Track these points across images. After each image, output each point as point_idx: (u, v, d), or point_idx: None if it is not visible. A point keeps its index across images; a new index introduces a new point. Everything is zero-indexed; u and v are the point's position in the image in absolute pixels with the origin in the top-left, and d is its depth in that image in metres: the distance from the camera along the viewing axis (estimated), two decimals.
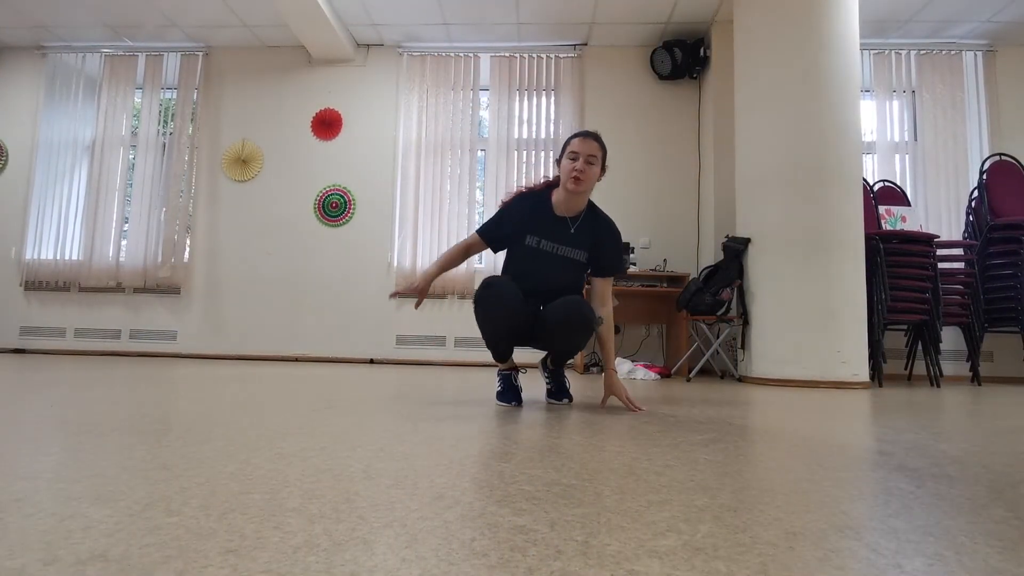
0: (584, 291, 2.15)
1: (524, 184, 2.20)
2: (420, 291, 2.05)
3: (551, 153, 5.01)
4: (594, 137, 1.99)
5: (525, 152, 5.03)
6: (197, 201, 5.15)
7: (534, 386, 2.86)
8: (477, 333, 4.79)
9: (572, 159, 1.96)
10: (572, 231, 2.05)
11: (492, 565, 0.56)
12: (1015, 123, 4.75)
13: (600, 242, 2.09)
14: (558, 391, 2.18)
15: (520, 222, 2.07)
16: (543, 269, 2.05)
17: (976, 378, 3.98)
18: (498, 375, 2.13)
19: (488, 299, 1.94)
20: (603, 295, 2.11)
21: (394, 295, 2.18)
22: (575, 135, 2.01)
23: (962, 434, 1.58)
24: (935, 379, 3.69)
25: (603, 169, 2.00)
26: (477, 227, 2.16)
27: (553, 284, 2.05)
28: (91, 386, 2.28)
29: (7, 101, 5.34)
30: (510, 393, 2.08)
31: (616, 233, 2.12)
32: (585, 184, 1.96)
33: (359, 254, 5.02)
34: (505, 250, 2.15)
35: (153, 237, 5.07)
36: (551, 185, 2.12)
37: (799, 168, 3.43)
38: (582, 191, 1.98)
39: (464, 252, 2.14)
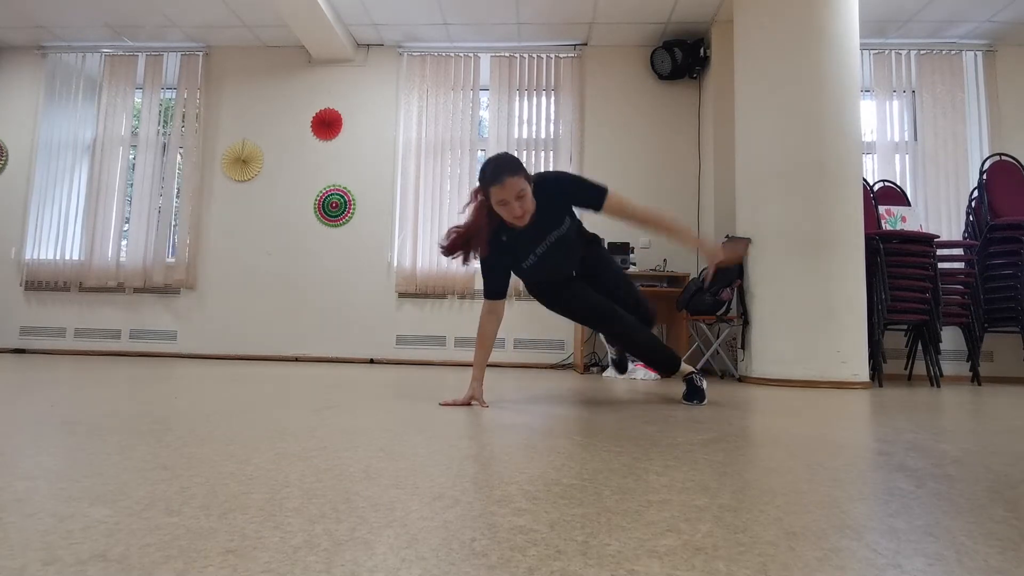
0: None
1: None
2: (478, 398, 1.98)
3: (551, 153, 5.02)
4: (509, 172, 1.81)
5: (525, 152, 5.03)
6: (197, 201, 5.15)
7: (543, 387, 2.85)
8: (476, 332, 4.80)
9: (503, 205, 1.84)
10: (540, 224, 1.98)
11: (492, 565, 0.56)
12: (1015, 123, 4.75)
13: (564, 195, 2.00)
14: (691, 392, 2.23)
15: (505, 252, 2.02)
16: (556, 266, 2.10)
17: (976, 378, 3.98)
18: (692, 378, 2.26)
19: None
20: (623, 210, 1.98)
21: (444, 404, 1.96)
22: (490, 183, 1.83)
23: (962, 434, 1.58)
24: (935, 379, 3.69)
25: (529, 181, 1.89)
26: (485, 294, 2.06)
27: (571, 269, 2.21)
28: (91, 386, 2.28)
29: (7, 101, 5.34)
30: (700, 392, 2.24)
31: (565, 177, 2.02)
32: (530, 208, 1.89)
33: (359, 254, 5.02)
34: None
35: (153, 237, 5.07)
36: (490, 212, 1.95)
37: (799, 168, 3.43)
38: (530, 211, 1.91)
39: (495, 323, 2.05)
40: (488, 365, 2.19)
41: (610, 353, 2.30)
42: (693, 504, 0.81)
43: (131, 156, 5.26)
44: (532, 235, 2.01)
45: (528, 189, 1.86)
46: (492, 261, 2.03)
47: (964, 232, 4.37)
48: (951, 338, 4.39)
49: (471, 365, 2.11)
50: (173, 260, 5.04)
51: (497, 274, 2.05)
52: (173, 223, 5.11)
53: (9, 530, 0.63)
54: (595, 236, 2.26)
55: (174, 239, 5.07)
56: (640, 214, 2.01)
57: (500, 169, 1.83)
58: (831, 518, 0.76)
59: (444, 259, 4.87)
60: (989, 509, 0.83)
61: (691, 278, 4.24)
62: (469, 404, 1.97)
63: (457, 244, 1.96)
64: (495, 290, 2.05)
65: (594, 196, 1.97)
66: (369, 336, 4.93)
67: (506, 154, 1.92)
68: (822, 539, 0.67)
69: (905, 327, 4.10)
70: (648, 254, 4.84)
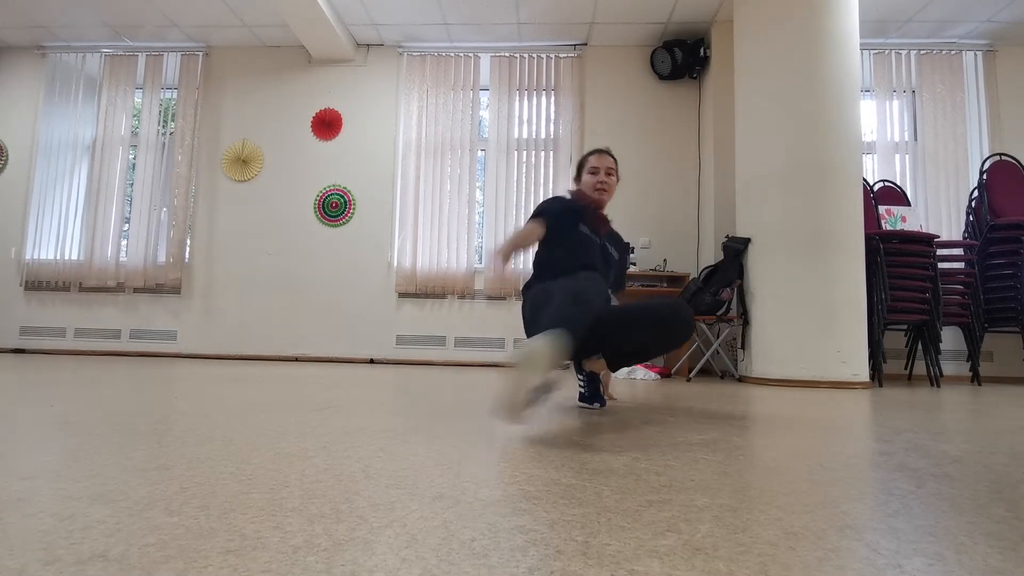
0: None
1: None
2: (505, 256, 1.93)
3: (551, 153, 5.01)
4: (608, 152, 2.17)
5: (525, 152, 5.03)
6: (197, 201, 5.15)
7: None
8: (477, 333, 4.80)
9: (593, 173, 2.11)
10: (606, 240, 2.17)
11: (492, 565, 0.56)
12: (1015, 123, 4.75)
13: (622, 252, 2.26)
14: (592, 396, 2.01)
15: (566, 212, 2.08)
16: (591, 260, 2.04)
17: (976, 378, 3.98)
18: (581, 376, 2.06)
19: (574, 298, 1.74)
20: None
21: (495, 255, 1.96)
22: (591, 153, 2.17)
23: (962, 434, 1.58)
24: (935, 379, 3.69)
25: (617, 178, 2.20)
26: (531, 217, 2.08)
27: (602, 274, 2.08)
28: (91, 386, 2.28)
29: (7, 101, 5.34)
30: (597, 396, 2.03)
31: (627, 247, 2.34)
32: (609, 194, 2.13)
33: (359, 254, 5.02)
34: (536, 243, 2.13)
35: (153, 237, 5.07)
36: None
37: (799, 168, 3.43)
38: (607, 201, 2.14)
39: (530, 236, 2.02)
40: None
41: (579, 380, 2.08)
42: (693, 504, 0.81)
43: (131, 156, 5.26)
44: (596, 227, 2.11)
45: (615, 177, 2.15)
46: (557, 204, 2.10)
47: (964, 232, 4.37)
48: (951, 338, 4.39)
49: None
50: (173, 260, 5.03)
51: (555, 208, 2.07)
52: (173, 223, 5.10)
53: (9, 530, 0.63)
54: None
55: (174, 239, 5.07)
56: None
57: (603, 148, 2.19)
58: (831, 518, 0.76)
59: (444, 259, 4.89)
60: (989, 509, 0.83)
61: (691, 278, 4.24)
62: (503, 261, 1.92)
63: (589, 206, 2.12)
64: (547, 212, 2.06)
65: (624, 280, 2.31)
66: (369, 336, 4.93)
67: None
68: (822, 539, 0.67)
69: (905, 327, 4.10)
70: (648, 254, 4.84)
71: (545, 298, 1.76)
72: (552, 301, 1.64)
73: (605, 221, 2.16)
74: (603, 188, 2.10)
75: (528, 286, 2.09)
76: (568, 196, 2.18)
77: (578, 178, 2.19)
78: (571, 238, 2.06)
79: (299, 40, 4.93)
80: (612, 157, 2.15)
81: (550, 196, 2.25)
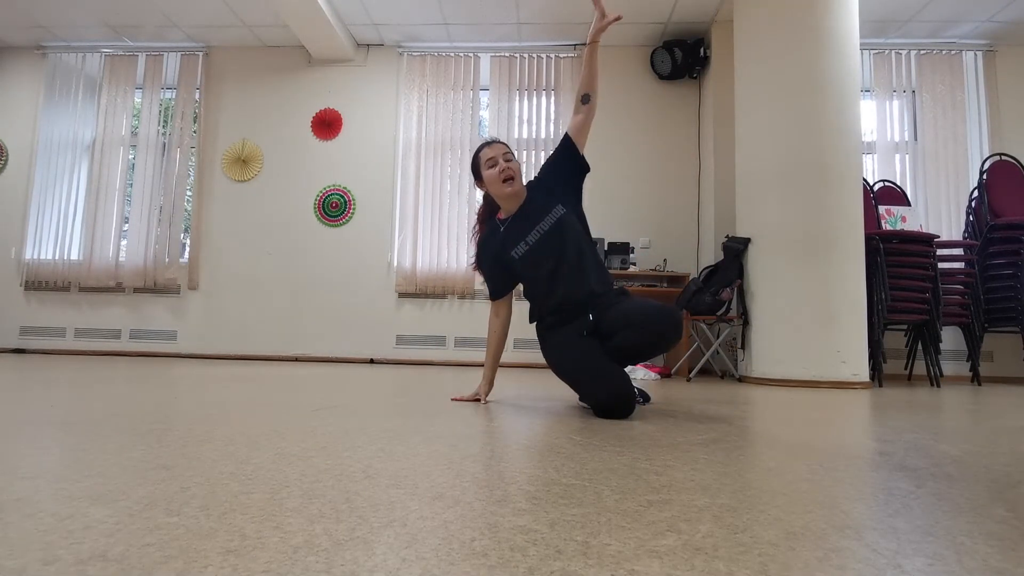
0: (581, 114, 2.03)
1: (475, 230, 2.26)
2: (485, 392, 2.10)
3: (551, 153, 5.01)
4: (495, 140, 2.07)
5: (525, 152, 5.03)
6: (197, 201, 5.15)
7: (533, 387, 2.85)
8: (477, 333, 4.80)
9: (493, 166, 1.99)
10: (529, 212, 2.02)
11: (492, 565, 0.56)
12: (1015, 123, 4.75)
13: (549, 174, 2.09)
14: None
15: (500, 251, 2.06)
16: (550, 262, 1.98)
17: (976, 378, 3.98)
18: None
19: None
20: (584, 122, 2.04)
21: (454, 400, 2.12)
22: (478, 150, 2.05)
23: (962, 434, 1.58)
24: (935, 379, 3.69)
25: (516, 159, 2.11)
26: (489, 296, 2.17)
27: (572, 265, 1.97)
28: (91, 386, 2.28)
29: (7, 101, 5.34)
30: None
31: (542, 166, 2.16)
32: (518, 178, 2.01)
33: (359, 254, 5.02)
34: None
35: (153, 237, 5.07)
36: (491, 213, 2.14)
37: (799, 168, 3.43)
38: (519, 187, 2.01)
39: (498, 325, 2.12)
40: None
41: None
42: (693, 504, 0.81)
43: (131, 156, 5.26)
44: (523, 226, 2.01)
45: (515, 159, 2.04)
46: (489, 260, 2.12)
47: (964, 232, 4.37)
48: (951, 338, 4.39)
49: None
50: (173, 260, 5.03)
51: (494, 273, 2.12)
52: (173, 223, 5.10)
53: (9, 530, 0.63)
54: (622, 288, 2.10)
55: (174, 239, 5.07)
56: (587, 88, 2.03)
57: (490, 139, 2.10)
58: (831, 518, 0.76)
59: (444, 259, 4.89)
60: (989, 509, 0.82)
61: (691, 278, 4.24)
62: (476, 400, 2.09)
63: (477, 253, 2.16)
64: (493, 289, 2.15)
65: (566, 146, 2.05)
66: (369, 336, 4.93)
67: None
68: (822, 539, 0.67)
69: (905, 327, 4.11)
70: (648, 254, 4.84)
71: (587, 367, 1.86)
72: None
73: (517, 216, 2.01)
74: (509, 175, 1.98)
75: (540, 326, 2.09)
76: (484, 231, 2.12)
77: (479, 180, 2.06)
78: (527, 275, 2.04)
79: (299, 40, 4.93)
80: (501, 143, 2.05)
81: (474, 251, 2.17)
